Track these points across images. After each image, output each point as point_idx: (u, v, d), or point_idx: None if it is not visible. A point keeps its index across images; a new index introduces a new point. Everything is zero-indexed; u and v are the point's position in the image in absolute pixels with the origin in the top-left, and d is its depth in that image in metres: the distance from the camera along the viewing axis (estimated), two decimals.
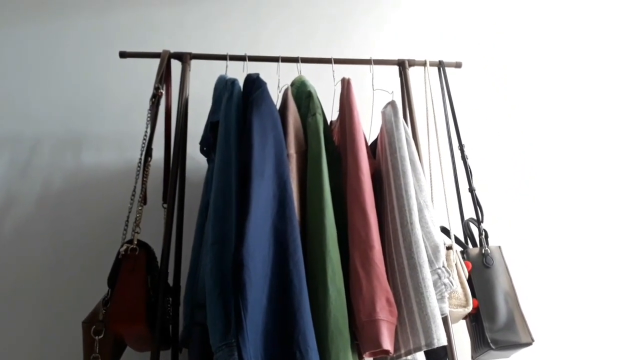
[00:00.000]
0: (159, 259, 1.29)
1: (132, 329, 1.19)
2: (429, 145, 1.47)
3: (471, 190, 1.49)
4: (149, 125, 1.38)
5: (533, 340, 1.31)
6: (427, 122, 1.50)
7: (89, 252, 1.58)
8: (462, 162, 1.52)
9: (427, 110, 1.51)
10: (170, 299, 1.32)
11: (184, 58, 1.45)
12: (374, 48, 1.89)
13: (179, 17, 1.87)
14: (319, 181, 1.20)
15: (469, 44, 1.98)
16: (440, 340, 1.09)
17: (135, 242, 1.25)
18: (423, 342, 1.09)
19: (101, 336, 1.18)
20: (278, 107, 1.36)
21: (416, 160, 1.31)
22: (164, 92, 1.44)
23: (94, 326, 1.19)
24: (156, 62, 1.45)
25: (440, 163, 1.46)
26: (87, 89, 1.76)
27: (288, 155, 1.23)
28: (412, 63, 1.55)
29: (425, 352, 1.23)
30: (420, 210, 1.24)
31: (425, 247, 1.20)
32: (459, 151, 1.53)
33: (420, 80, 1.54)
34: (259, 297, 1.02)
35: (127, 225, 1.30)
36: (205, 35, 1.86)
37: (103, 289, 1.24)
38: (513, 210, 1.80)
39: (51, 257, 1.58)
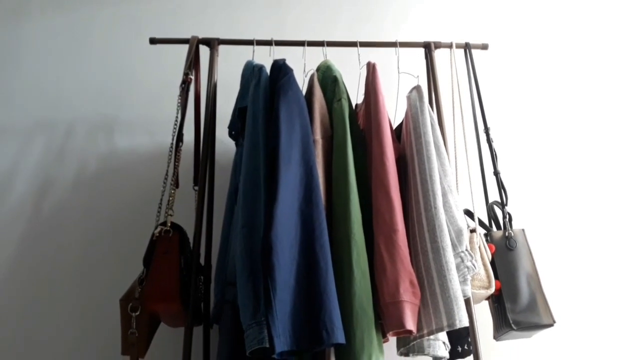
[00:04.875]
0: (190, 239, 1.35)
1: (167, 307, 1.25)
2: (454, 127, 1.47)
3: (496, 173, 1.49)
4: (180, 111, 1.41)
5: (555, 322, 1.33)
6: (453, 104, 1.50)
7: (124, 233, 1.65)
8: (487, 145, 1.53)
9: (452, 92, 1.51)
10: (202, 277, 1.37)
11: (212, 44, 1.48)
12: (399, 31, 1.89)
13: (205, 2, 1.89)
14: (344, 166, 1.22)
15: (496, 25, 1.95)
16: (462, 321, 1.12)
17: (169, 225, 1.30)
18: (445, 323, 1.12)
19: (137, 313, 1.24)
20: (304, 91, 1.38)
21: (441, 145, 1.33)
22: (193, 78, 1.47)
23: (131, 304, 1.24)
24: (183, 47, 1.48)
25: (465, 146, 1.47)
26: (118, 74, 1.81)
27: (314, 140, 1.25)
28: (438, 45, 1.55)
29: (448, 332, 1.26)
30: (444, 195, 1.26)
31: (449, 231, 1.22)
32: (485, 134, 1.54)
33: (446, 63, 1.54)
34: (287, 279, 1.06)
35: (160, 208, 1.35)
36: (231, 20, 1.87)
37: (138, 268, 1.30)
38: (537, 193, 1.80)
39: (88, 238, 1.65)
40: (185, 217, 1.42)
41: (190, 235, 1.35)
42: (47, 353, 1.56)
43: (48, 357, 1.56)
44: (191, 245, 1.34)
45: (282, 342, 1.01)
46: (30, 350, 1.56)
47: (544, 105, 1.90)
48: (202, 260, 1.38)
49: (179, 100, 1.42)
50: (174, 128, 1.40)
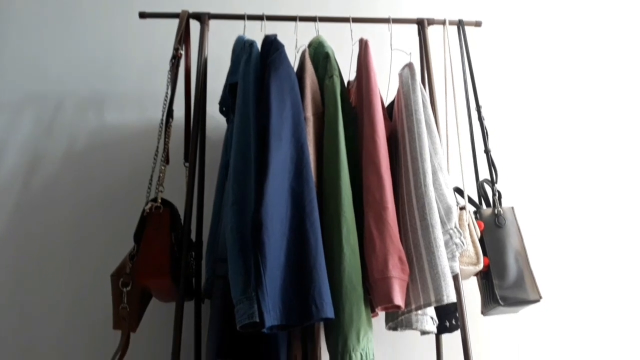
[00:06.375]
0: (181, 215, 1.34)
1: (158, 282, 1.25)
2: (446, 104, 1.47)
3: (486, 151, 1.50)
4: (170, 87, 1.40)
5: (541, 298, 1.35)
6: (445, 81, 1.50)
7: (114, 209, 1.65)
8: (478, 123, 1.53)
9: (445, 70, 1.50)
10: (193, 253, 1.38)
11: (203, 18, 1.46)
12: (393, 7, 1.86)
13: None
14: (335, 143, 1.22)
15: (490, 2, 1.94)
16: (450, 297, 1.13)
17: (159, 201, 1.30)
18: (433, 299, 1.14)
19: (129, 288, 1.24)
20: (295, 68, 1.37)
21: (432, 123, 1.33)
22: (183, 53, 1.45)
23: (122, 279, 1.25)
24: (174, 21, 1.46)
25: (457, 123, 1.47)
26: (108, 48, 1.78)
27: (305, 117, 1.25)
28: (431, 22, 1.54)
29: (436, 307, 1.28)
30: (434, 173, 1.26)
31: (438, 208, 1.23)
32: (476, 112, 1.54)
33: (439, 40, 1.53)
34: (277, 255, 1.07)
35: (150, 184, 1.34)
36: None
37: (129, 244, 1.30)
38: (528, 171, 1.81)
39: (79, 213, 1.65)
40: (176, 193, 1.42)
41: (181, 211, 1.35)
42: (39, 328, 1.57)
43: (40, 332, 1.57)
44: (182, 221, 1.34)
45: (271, 317, 1.03)
46: (22, 326, 1.57)
47: (537, 83, 1.90)
48: (193, 237, 1.39)
49: (169, 76, 1.40)
50: (164, 103, 1.39)
